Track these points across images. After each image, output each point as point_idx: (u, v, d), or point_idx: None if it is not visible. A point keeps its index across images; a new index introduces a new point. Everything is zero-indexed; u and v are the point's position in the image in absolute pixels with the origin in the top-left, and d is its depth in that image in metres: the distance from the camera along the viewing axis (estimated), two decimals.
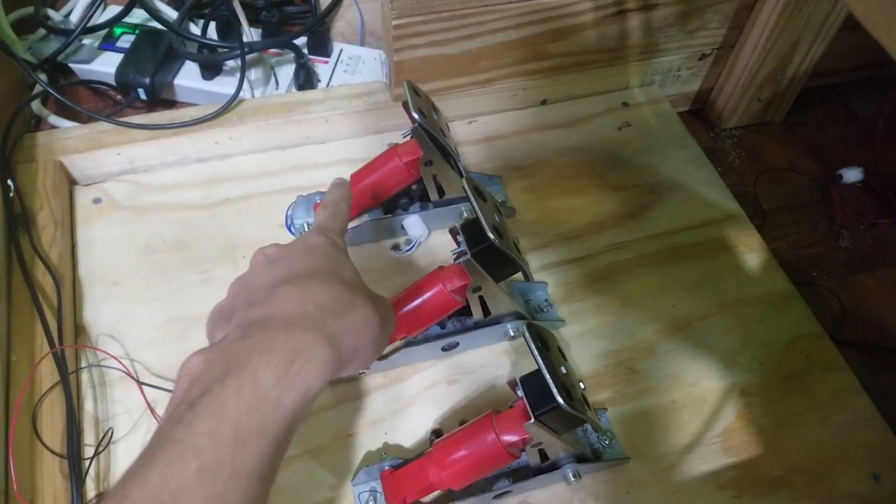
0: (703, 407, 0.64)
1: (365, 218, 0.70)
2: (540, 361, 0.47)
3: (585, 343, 0.66)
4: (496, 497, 0.56)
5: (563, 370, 0.49)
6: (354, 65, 0.85)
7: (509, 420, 0.51)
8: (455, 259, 0.56)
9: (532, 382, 0.48)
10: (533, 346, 0.48)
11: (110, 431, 0.56)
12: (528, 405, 0.48)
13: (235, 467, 0.33)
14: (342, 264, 0.44)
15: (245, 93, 0.78)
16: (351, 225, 0.70)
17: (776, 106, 0.89)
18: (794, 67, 0.84)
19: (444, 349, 0.63)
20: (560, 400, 0.46)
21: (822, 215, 0.84)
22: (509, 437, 0.50)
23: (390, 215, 0.69)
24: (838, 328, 0.74)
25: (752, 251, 0.74)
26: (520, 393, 0.49)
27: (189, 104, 0.82)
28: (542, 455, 0.53)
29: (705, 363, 0.66)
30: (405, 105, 0.59)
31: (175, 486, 0.32)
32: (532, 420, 0.47)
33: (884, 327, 0.76)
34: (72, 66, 0.82)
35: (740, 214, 0.76)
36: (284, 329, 0.37)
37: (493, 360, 0.64)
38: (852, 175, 0.86)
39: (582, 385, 0.51)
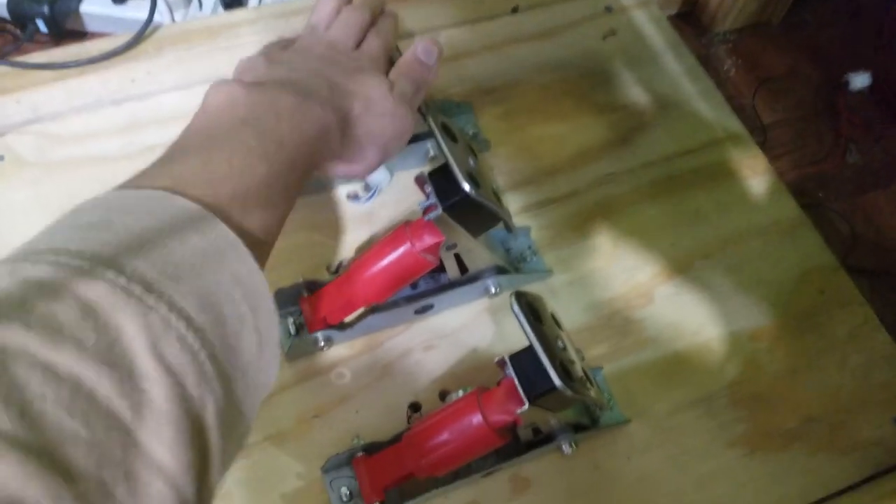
0: (708, 357, 0.57)
1: None
2: (533, 338, 0.40)
3: (576, 293, 0.59)
4: (485, 476, 0.50)
5: (561, 344, 0.42)
6: None
7: (497, 399, 0.44)
8: (424, 213, 0.47)
9: (524, 362, 0.41)
10: (524, 321, 0.40)
11: None
12: (520, 388, 0.41)
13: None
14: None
15: (162, 16, 0.66)
16: None
17: (776, 3, 0.79)
18: None
19: (416, 312, 0.55)
20: (559, 382, 0.39)
21: (827, 127, 0.76)
22: (498, 419, 0.43)
23: None
24: (848, 254, 0.68)
25: (756, 175, 0.66)
26: (510, 373, 0.42)
27: (100, 34, 0.70)
28: (535, 431, 0.47)
29: (709, 307, 0.59)
30: None
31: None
32: (526, 406, 0.40)
33: None
34: None
35: (742, 134, 0.68)
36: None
37: (472, 320, 0.57)
38: (859, 81, 0.78)
39: (582, 357, 0.44)
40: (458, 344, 0.55)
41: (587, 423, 0.51)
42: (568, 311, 0.57)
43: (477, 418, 0.44)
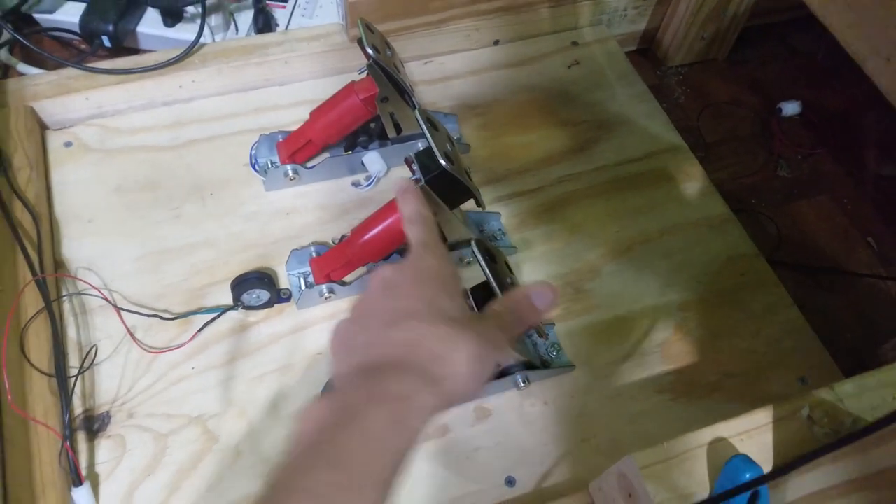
0: (643, 322, 0.69)
1: (326, 155, 0.74)
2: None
3: (536, 267, 0.71)
4: None
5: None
6: (312, 9, 0.87)
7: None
8: None
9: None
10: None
11: (94, 349, 0.60)
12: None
13: None
14: (452, 288, 0.46)
15: (206, 38, 0.80)
16: (312, 162, 0.73)
17: (719, 43, 0.94)
18: (735, 5, 0.88)
19: None
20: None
21: (761, 147, 0.90)
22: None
23: (350, 152, 0.73)
24: (775, 251, 0.79)
25: (692, 179, 0.79)
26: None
27: (151, 52, 0.84)
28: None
29: (646, 282, 0.71)
30: (360, 42, 0.62)
31: None
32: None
33: (818, 249, 0.82)
34: (36, 16, 0.84)
35: (682, 146, 0.81)
36: (396, 375, 0.40)
37: None
38: (790, 108, 0.91)
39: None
40: None
41: (538, 364, 0.63)
42: (529, 281, 0.70)
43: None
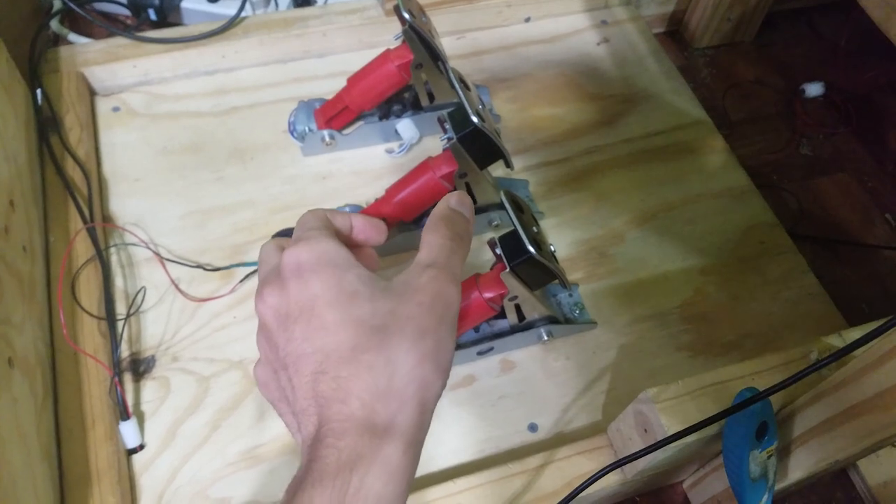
0: (664, 284, 0.71)
1: (361, 123, 0.77)
2: (514, 220, 0.55)
3: (562, 232, 0.74)
4: (480, 353, 0.64)
5: (535, 230, 0.57)
6: None
7: (489, 278, 0.58)
8: (444, 145, 0.62)
9: (508, 239, 0.56)
10: (509, 208, 0.55)
11: (142, 290, 0.64)
12: (504, 258, 0.55)
13: None
14: (355, 293, 0.34)
15: (246, 12, 0.84)
16: (347, 130, 0.76)
17: (746, 25, 0.96)
18: None
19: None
20: (531, 250, 0.53)
21: (785, 126, 0.91)
22: (489, 294, 0.58)
23: (385, 119, 0.76)
24: (796, 224, 0.81)
25: (715, 152, 0.81)
26: (498, 251, 0.56)
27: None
28: (518, 311, 0.61)
29: (668, 248, 0.73)
30: (396, 7, 0.65)
31: None
32: (508, 270, 0.55)
33: (838, 224, 0.83)
34: None
35: (706, 120, 0.83)
36: (334, 438, 0.31)
37: (479, 247, 0.71)
38: (814, 89, 0.93)
39: (553, 247, 0.59)
40: (466, 264, 0.70)
41: (560, 319, 0.66)
42: (555, 245, 0.72)
43: (475, 294, 0.58)
